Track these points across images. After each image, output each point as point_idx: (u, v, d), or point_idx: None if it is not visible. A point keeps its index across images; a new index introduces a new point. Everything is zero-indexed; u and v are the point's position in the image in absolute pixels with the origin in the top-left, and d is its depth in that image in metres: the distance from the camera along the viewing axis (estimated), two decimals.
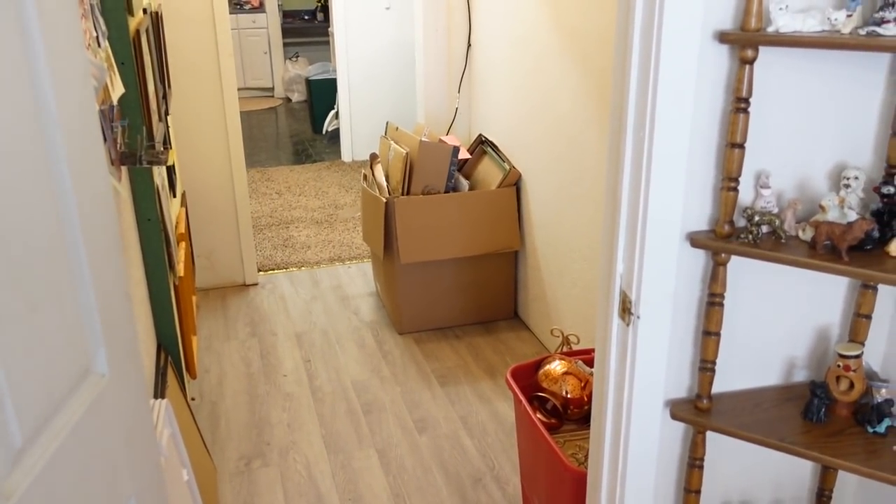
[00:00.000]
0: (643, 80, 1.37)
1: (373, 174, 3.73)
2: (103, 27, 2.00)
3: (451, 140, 3.76)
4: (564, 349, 2.70)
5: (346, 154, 6.34)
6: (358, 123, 6.25)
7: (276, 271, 4.27)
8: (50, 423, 0.92)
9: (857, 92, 1.47)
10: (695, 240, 1.45)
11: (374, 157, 3.86)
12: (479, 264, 3.58)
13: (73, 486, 0.96)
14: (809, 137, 1.48)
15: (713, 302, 1.48)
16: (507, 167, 3.53)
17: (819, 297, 1.60)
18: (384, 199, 3.40)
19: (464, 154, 3.75)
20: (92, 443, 1.01)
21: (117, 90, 2.02)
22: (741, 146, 1.38)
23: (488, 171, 3.70)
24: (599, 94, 2.72)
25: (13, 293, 0.85)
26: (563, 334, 2.72)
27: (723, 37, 1.34)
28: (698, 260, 1.51)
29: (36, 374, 0.90)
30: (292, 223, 4.94)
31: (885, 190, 1.40)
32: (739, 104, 1.36)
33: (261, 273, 4.21)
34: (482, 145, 3.80)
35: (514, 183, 3.54)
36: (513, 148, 3.57)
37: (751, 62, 1.33)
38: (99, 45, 1.88)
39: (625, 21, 1.40)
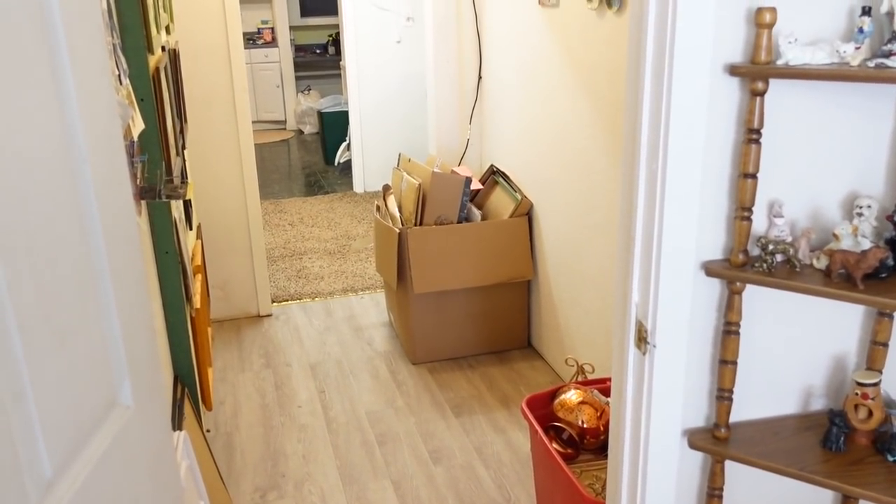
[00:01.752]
0: (655, 112, 1.39)
1: (385, 205, 3.76)
2: (125, 65, 2.05)
3: (463, 171, 3.79)
4: (579, 378, 2.70)
5: (358, 185, 6.39)
6: (369, 155, 6.32)
7: (289, 302, 4.29)
8: (78, 455, 0.93)
9: (868, 123, 1.49)
10: (710, 269, 1.47)
11: (386, 188, 3.89)
12: (492, 294, 3.59)
13: None
14: (822, 167, 1.49)
15: (729, 330, 1.49)
16: (519, 197, 3.55)
17: (835, 325, 1.60)
18: (397, 230, 3.43)
19: (476, 185, 3.79)
20: (117, 474, 1.03)
21: (138, 126, 2.06)
22: (754, 176, 1.40)
23: (500, 201, 3.72)
24: (610, 126, 2.75)
25: (44, 326, 0.87)
26: (577, 363, 2.72)
27: (733, 70, 1.37)
28: (713, 289, 1.52)
29: (65, 406, 0.91)
30: (305, 254, 4.97)
31: None
32: (751, 135, 1.38)
33: (274, 304, 4.23)
34: (494, 175, 3.83)
35: (526, 212, 3.56)
36: (524, 178, 3.60)
37: (761, 94, 1.36)
38: (120, 83, 1.93)
39: (636, 55, 1.43)
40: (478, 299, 3.58)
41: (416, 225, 3.47)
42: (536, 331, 3.66)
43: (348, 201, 6.15)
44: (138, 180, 2.06)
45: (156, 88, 2.31)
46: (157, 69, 2.35)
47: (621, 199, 1.54)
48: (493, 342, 3.65)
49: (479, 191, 3.82)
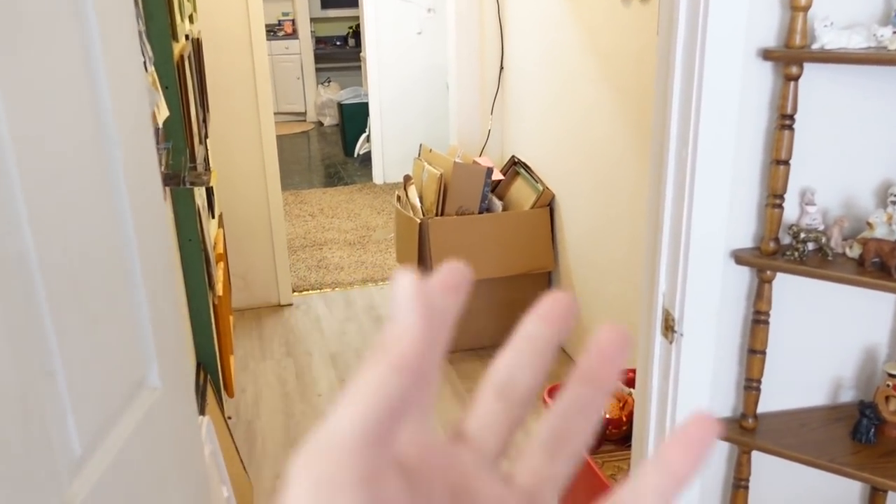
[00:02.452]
0: (686, 97, 1.37)
1: (406, 195, 3.75)
2: (150, 52, 2.05)
3: (484, 161, 3.78)
4: None
5: (378, 177, 6.39)
6: (389, 146, 6.31)
7: (310, 292, 4.30)
8: (107, 434, 0.93)
9: None
10: (739, 257, 1.45)
11: (407, 178, 3.88)
12: (513, 285, 3.57)
13: (126, 496, 0.98)
14: (855, 154, 1.47)
15: (758, 320, 1.47)
16: (541, 188, 3.53)
17: (866, 314, 1.57)
18: (418, 220, 3.42)
19: (497, 175, 3.77)
20: (144, 455, 1.03)
21: (163, 113, 2.07)
22: (786, 163, 1.38)
23: (521, 192, 3.70)
24: (635, 116, 2.73)
25: (75, 305, 0.87)
26: None
27: (767, 54, 1.34)
28: (743, 277, 1.49)
29: (95, 386, 0.92)
30: (325, 245, 4.98)
31: None
32: (784, 121, 1.36)
33: (295, 294, 4.24)
34: (515, 166, 3.81)
35: (547, 203, 3.54)
36: (546, 169, 3.58)
37: (795, 79, 1.33)
38: (146, 70, 1.93)
39: (667, 39, 1.41)
40: (499, 290, 3.56)
41: (437, 215, 3.46)
42: None
43: (368, 192, 6.15)
44: (163, 167, 2.06)
45: (180, 76, 2.31)
46: (182, 57, 2.35)
47: (649, 186, 1.52)
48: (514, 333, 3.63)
49: (500, 181, 3.80)
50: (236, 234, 3.94)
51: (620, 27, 2.78)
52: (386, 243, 4.92)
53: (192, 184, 2.14)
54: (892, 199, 1.42)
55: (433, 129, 5.90)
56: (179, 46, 2.42)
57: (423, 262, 3.46)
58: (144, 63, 1.93)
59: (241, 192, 3.93)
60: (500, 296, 3.58)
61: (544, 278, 3.63)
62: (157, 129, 1.97)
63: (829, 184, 1.48)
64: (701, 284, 1.46)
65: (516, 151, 3.87)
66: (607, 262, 3.08)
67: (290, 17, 9.19)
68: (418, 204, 3.62)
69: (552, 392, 2.32)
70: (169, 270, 1.15)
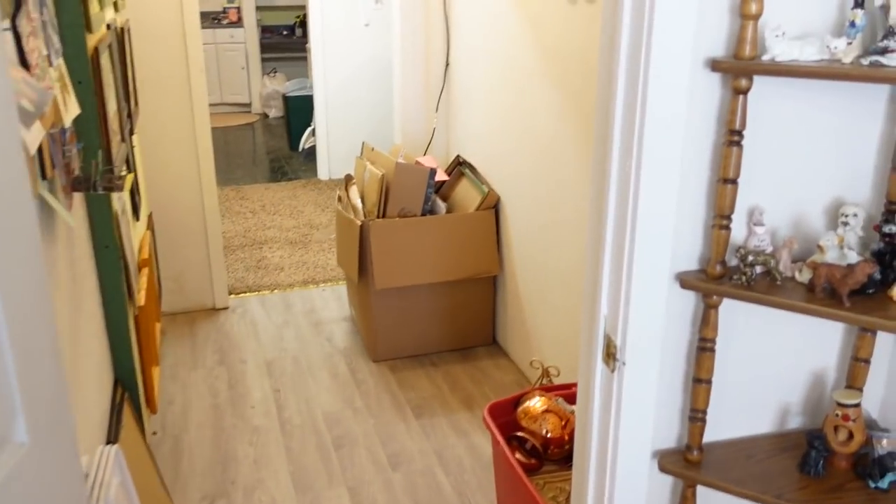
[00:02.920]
0: (630, 109, 1.27)
1: (348, 196, 3.61)
2: (57, 45, 1.88)
3: (428, 161, 3.66)
4: (544, 382, 2.60)
5: (323, 172, 6.22)
6: (335, 141, 6.14)
7: (247, 294, 4.13)
8: None
9: (855, 123, 1.38)
10: (685, 281, 1.35)
11: (349, 178, 3.74)
12: (456, 289, 3.46)
13: None
14: (805, 171, 1.39)
15: (704, 347, 1.38)
16: (486, 189, 3.43)
17: (814, 339, 1.50)
18: (359, 222, 3.28)
19: (441, 176, 3.65)
20: None
21: (71, 111, 1.89)
22: (734, 182, 1.29)
23: (466, 194, 3.59)
24: (582, 119, 2.63)
25: None
26: (542, 366, 2.62)
27: (715, 65, 1.25)
28: (688, 302, 1.41)
29: None
30: (266, 243, 4.80)
31: (886, 229, 1.31)
32: (732, 137, 1.26)
33: (232, 296, 4.07)
34: (460, 167, 3.70)
35: (492, 206, 3.44)
36: (491, 170, 3.48)
37: (744, 92, 1.24)
38: (51, 64, 1.76)
39: (609, 46, 1.31)
40: (442, 295, 3.45)
41: (378, 217, 3.33)
42: (502, 328, 3.55)
43: (312, 188, 5.98)
44: (72, 170, 1.89)
45: (95, 69, 2.14)
46: (98, 49, 2.17)
47: (590, 204, 1.42)
48: (457, 339, 3.54)
49: (444, 182, 3.69)
50: (169, 235, 3.76)
51: (567, 26, 2.68)
52: (329, 243, 4.77)
53: (105, 189, 1.97)
54: (843, 219, 1.35)
55: (381, 125, 5.76)
56: (96, 37, 2.24)
57: (364, 264, 3.33)
58: (49, 56, 1.76)
59: (174, 191, 3.74)
60: (444, 301, 3.47)
61: (489, 283, 3.53)
62: (63, 130, 1.80)
63: (778, 202, 1.40)
64: (644, 309, 1.36)
65: (462, 151, 3.76)
66: (553, 267, 2.99)
67: (236, 5, 8.92)
68: (360, 205, 3.48)
69: (493, 410, 2.22)
70: (43, 305, 1.00)
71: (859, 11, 1.24)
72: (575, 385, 2.30)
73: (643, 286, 1.34)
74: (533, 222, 3.13)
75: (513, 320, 3.42)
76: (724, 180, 1.29)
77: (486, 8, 3.33)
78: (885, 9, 1.23)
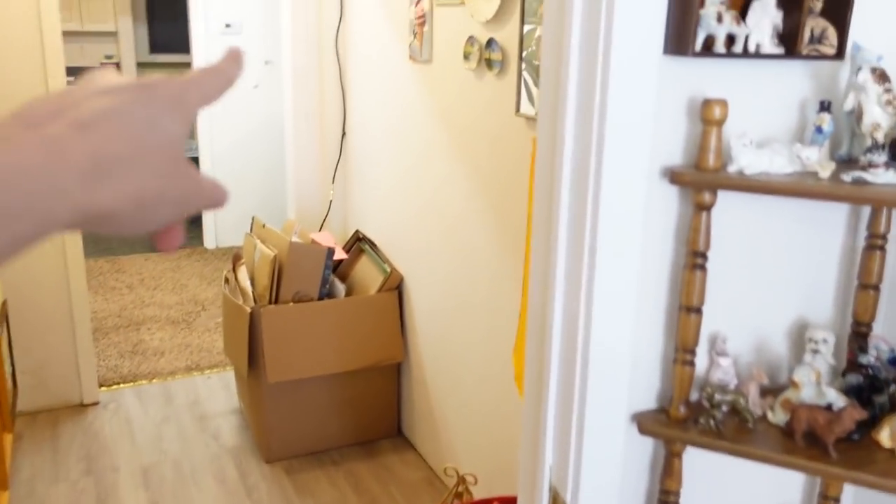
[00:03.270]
0: (577, 229, 1.07)
1: (236, 278, 3.29)
2: None
3: (324, 238, 3.39)
4: (459, 489, 2.35)
5: (210, 240, 5.82)
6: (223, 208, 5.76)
7: (121, 386, 3.69)
8: None
9: (818, 234, 1.23)
10: (643, 425, 1.15)
11: (237, 257, 3.42)
12: (358, 379, 3.18)
13: None
14: (767, 290, 1.22)
15: (667, 500, 1.17)
16: (388, 269, 3.19)
17: (781, 477, 1.32)
18: (248, 309, 2.96)
19: (339, 254, 3.39)
20: None
21: None
22: (698, 310, 1.10)
23: (367, 273, 3.34)
24: (492, 198, 2.45)
25: None
26: (458, 473, 2.36)
27: (675, 177, 1.06)
28: (647, 448, 1.20)
29: None
30: (144, 324, 4.37)
31: (863, 360, 1.15)
32: (696, 259, 1.08)
33: (103, 389, 3.62)
34: (359, 243, 3.45)
35: (395, 286, 3.20)
36: (393, 247, 3.25)
37: (708, 208, 1.06)
38: None
39: (550, 150, 1.11)
40: (342, 386, 3.16)
41: (270, 302, 3.02)
42: (407, 418, 3.28)
43: (198, 259, 5.57)
44: None
45: None
46: None
47: (530, 330, 1.20)
48: (360, 432, 3.24)
49: (342, 261, 3.42)
50: (26, 322, 3.30)
51: (475, 100, 2.51)
52: (216, 324, 4.39)
53: None
54: (813, 346, 1.18)
55: (273, 194, 5.44)
56: None
57: (255, 356, 3.00)
58: None
59: (32, 269, 3.30)
60: (344, 392, 3.17)
61: (393, 370, 3.27)
62: None
63: (739, 326, 1.22)
64: (597, 456, 1.14)
65: (361, 226, 3.51)
66: (464, 356, 2.76)
67: (115, 61, 8.43)
68: (249, 288, 3.16)
69: None
70: None
71: (826, 116, 1.10)
72: (497, 500, 2.06)
73: (596, 431, 1.13)
74: (440, 306, 2.91)
75: (419, 411, 3.16)
76: (688, 309, 1.09)
77: (385, 77, 3.14)
78: (857, 115, 1.08)
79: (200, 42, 5.51)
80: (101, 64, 8.39)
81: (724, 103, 1.02)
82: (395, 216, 3.22)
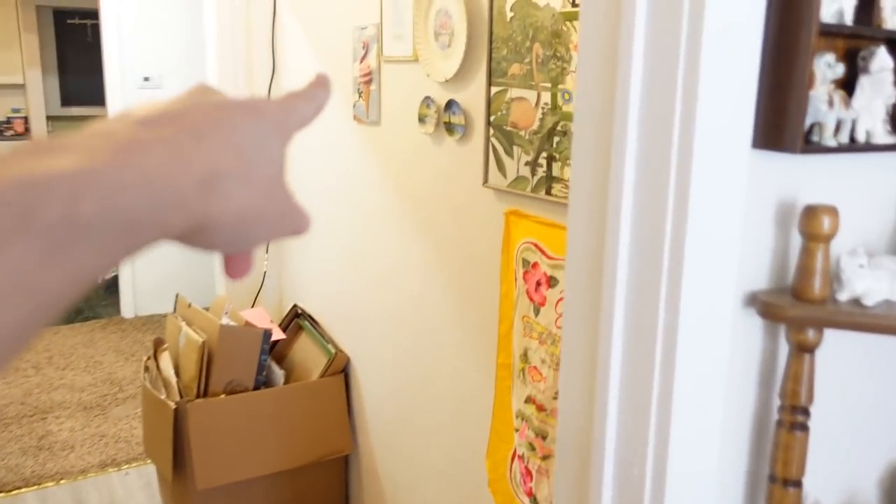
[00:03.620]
0: (640, 377, 0.78)
1: (157, 366, 2.89)
2: None
3: (257, 315, 3.03)
4: None
5: (128, 309, 5.33)
6: (141, 272, 5.30)
7: (22, 491, 3.20)
8: None
9: None
10: None
11: (159, 342, 3.02)
12: (300, 476, 2.80)
13: None
14: (859, 437, 0.96)
15: None
16: (332, 350, 2.84)
17: None
18: (173, 404, 2.57)
19: (276, 333, 3.03)
20: None
21: None
22: (797, 484, 0.82)
23: (308, 354, 2.99)
24: (457, 276, 2.16)
25: None
26: None
27: (769, 310, 0.79)
28: None
29: None
30: (52, 411, 3.87)
31: None
32: (795, 417, 0.80)
33: (1, 495, 3.13)
34: (298, 318, 3.11)
35: (341, 370, 2.85)
36: (338, 325, 2.91)
37: (812, 350, 0.79)
38: None
39: (590, 271, 0.82)
40: (283, 486, 2.78)
41: (199, 395, 2.64)
42: None
43: (114, 330, 5.07)
44: None
45: None
46: None
47: None
48: None
49: (279, 341, 3.06)
50: None
51: (433, 167, 2.23)
52: (135, 407, 3.92)
53: None
54: None
55: (199, 262, 5.02)
56: None
57: (181, 457, 2.60)
58: None
59: None
60: (285, 493, 2.79)
61: (340, 465, 2.91)
62: None
63: (829, 482, 0.95)
64: None
65: (299, 300, 3.17)
66: (424, 451, 2.43)
67: (23, 115, 7.89)
68: (174, 379, 2.77)
69: None
70: None
71: None
72: None
73: None
74: (393, 391, 2.58)
75: None
76: (784, 481, 0.81)
77: (326, 136, 2.83)
78: None
79: (116, 95, 5.11)
80: (8, 119, 7.84)
81: (834, 212, 0.75)
82: (339, 290, 2.89)
